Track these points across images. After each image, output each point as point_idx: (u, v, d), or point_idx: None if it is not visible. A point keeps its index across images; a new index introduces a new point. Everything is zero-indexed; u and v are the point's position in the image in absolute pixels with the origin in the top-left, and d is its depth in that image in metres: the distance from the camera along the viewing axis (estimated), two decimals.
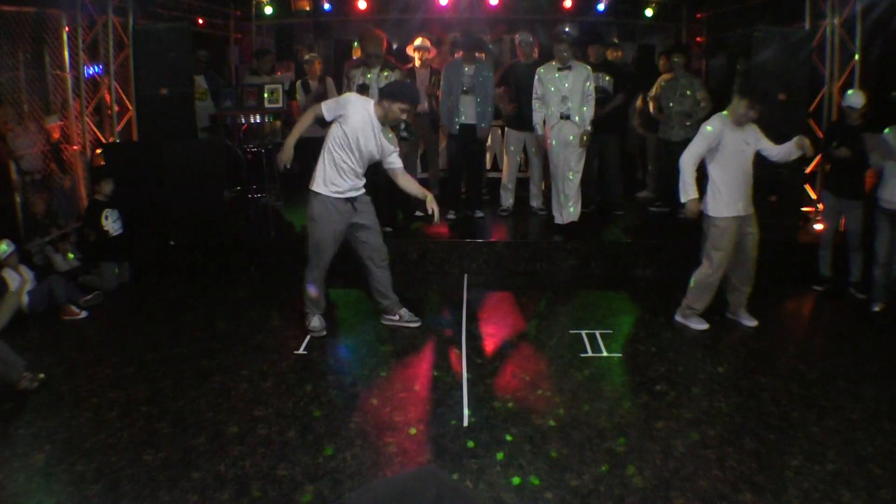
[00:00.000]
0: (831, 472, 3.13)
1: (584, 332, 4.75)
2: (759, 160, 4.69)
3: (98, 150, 6.64)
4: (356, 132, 4.32)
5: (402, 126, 5.45)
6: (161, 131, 6.30)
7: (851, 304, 5.35)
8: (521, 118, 6.66)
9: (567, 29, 6.33)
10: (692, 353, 4.47)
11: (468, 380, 4.06)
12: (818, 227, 6.12)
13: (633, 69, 9.09)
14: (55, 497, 2.99)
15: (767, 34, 6.12)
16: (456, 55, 6.82)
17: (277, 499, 2.96)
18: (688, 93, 6.69)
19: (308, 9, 8.71)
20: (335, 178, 4.38)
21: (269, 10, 9.17)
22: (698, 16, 9.48)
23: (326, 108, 4.35)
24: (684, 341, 4.66)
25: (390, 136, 4.89)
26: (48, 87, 6.50)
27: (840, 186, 5.44)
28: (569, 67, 5.86)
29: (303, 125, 4.41)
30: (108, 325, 5.01)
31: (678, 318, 4.94)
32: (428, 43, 7.00)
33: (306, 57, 7.79)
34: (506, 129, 7.03)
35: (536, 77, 6.01)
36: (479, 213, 6.84)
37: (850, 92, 5.46)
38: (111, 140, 6.74)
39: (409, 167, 7.46)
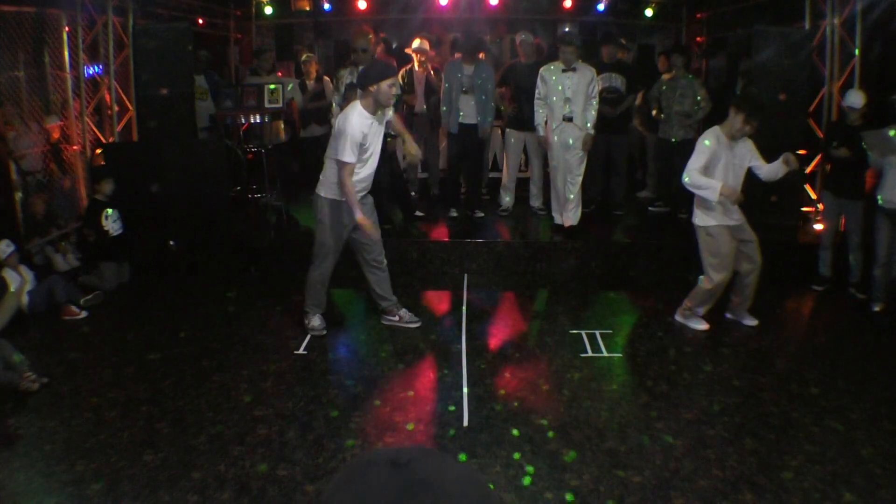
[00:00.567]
0: (831, 472, 3.13)
1: (584, 332, 4.75)
2: (749, 177, 4.70)
3: (98, 150, 6.64)
4: (366, 141, 4.29)
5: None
6: (161, 131, 6.30)
7: (851, 304, 5.35)
8: (521, 118, 6.65)
9: (570, 31, 6.30)
10: (692, 353, 4.47)
11: (468, 380, 4.06)
12: (818, 227, 6.12)
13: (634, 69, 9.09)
14: (55, 497, 2.99)
15: (767, 34, 6.12)
16: (456, 55, 6.83)
17: (277, 499, 2.97)
18: (688, 93, 6.69)
19: (308, 9, 8.70)
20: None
21: (269, 10, 9.16)
22: (698, 16, 9.48)
23: (350, 154, 4.17)
24: (684, 341, 4.66)
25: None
26: (48, 87, 6.50)
27: (840, 186, 5.44)
28: (573, 69, 5.83)
29: (350, 190, 4.27)
30: (108, 325, 5.00)
31: (678, 317, 4.94)
32: (427, 45, 7.00)
33: (303, 57, 7.79)
34: (506, 129, 7.03)
35: (539, 77, 5.98)
36: (479, 213, 6.84)
37: (849, 92, 5.47)
38: (111, 140, 6.73)
39: (410, 167, 7.50)
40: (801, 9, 6.64)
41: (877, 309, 5.11)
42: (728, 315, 4.97)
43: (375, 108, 4.27)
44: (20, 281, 4.95)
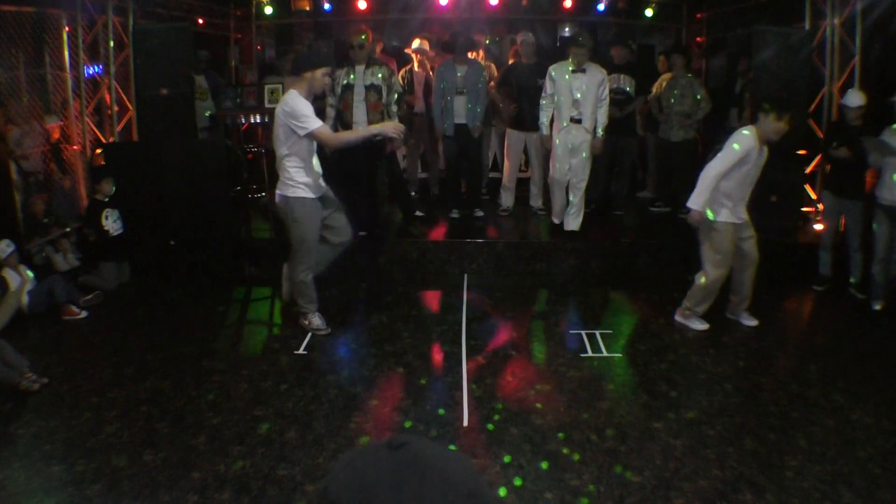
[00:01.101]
0: (831, 472, 3.13)
1: (584, 332, 4.75)
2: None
3: (98, 150, 6.64)
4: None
5: (397, 118, 5.49)
6: (161, 131, 6.29)
7: (851, 304, 5.35)
8: (521, 118, 6.65)
9: (582, 33, 6.28)
10: (692, 353, 4.47)
11: (468, 380, 4.06)
12: (818, 227, 6.12)
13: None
14: (55, 497, 2.99)
15: (767, 34, 6.12)
16: (447, 56, 6.80)
17: (277, 499, 2.96)
18: (687, 93, 6.69)
19: (308, 9, 8.70)
20: (313, 180, 4.41)
21: (269, 10, 9.16)
22: (698, 16, 9.48)
23: (315, 118, 4.26)
24: (684, 341, 4.67)
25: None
26: (48, 87, 6.50)
27: (840, 186, 5.45)
28: (583, 70, 5.78)
29: (347, 135, 4.47)
30: (108, 325, 5.00)
31: (678, 318, 4.94)
32: (426, 45, 7.00)
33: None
34: (506, 129, 7.02)
35: (548, 75, 5.91)
36: (480, 213, 6.84)
37: (849, 92, 5.47)
38: (111, 140, 6.73)
39: (410, 167, 7.51)
40: (801, 9, 6.64)
41: (877, 308, 5.12)
42: (728, 315, 4.96)
43: (308, 94, 4.31)
44: (20, 281, 4.95)
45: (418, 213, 6.81)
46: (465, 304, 5.33)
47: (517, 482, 3.06)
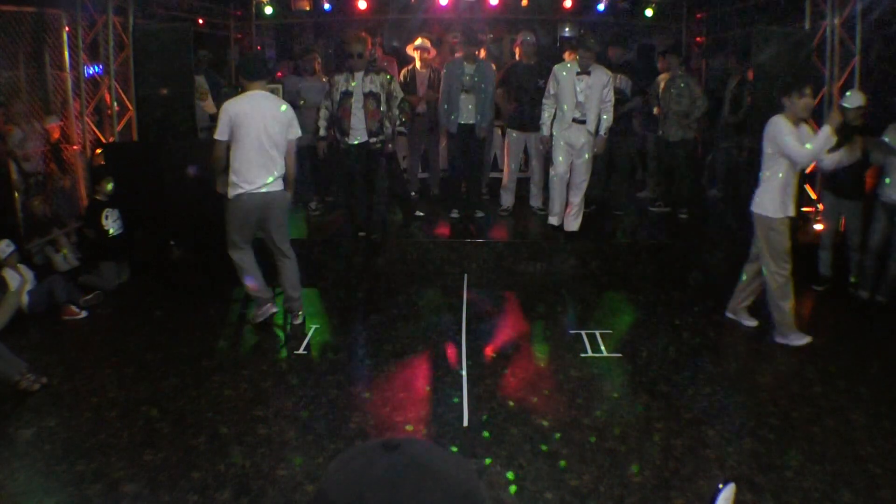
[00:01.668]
0: (831, 472, 3.13)
1: (584, 332, 4.75)
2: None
3: (98, 150, 6.64)
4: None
5: (399, 121, 5.50)
6: (161, 131, 6.29)
7: (851, 304, 5.35)
8: (521, 118, 6.65)
9: (588, 34, 6.28)
10: (692, 353, 4.47)
11: (468, 380, 4.06)
12: (818, 227, 6.12)
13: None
14: (55, 497, 2.99)
15: (767, 34, 6.12)
16: (456, 54, 6.80)
17: (277, 499, 2.96)
18: (685, 92, 6.69)
19: (308, 9, 8.70)
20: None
21: (269, 10, 9.16)
22: (698, 16, 9.48)
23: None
24: (684, 341, 4.66)
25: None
26: (48, 87, 6.50)
27: (840, 186, 5.45)
28: (588, 73, 5.78)
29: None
30: (108, 325, 5.00)
31: (778, 339, 4.55)
32: (428, 43, 7.00)
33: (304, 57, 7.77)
34: (507, 129, 7.03)
35: (552, 75, 5.91)
36: (480, 213, 6.84)
37: (848, 93, 5.47)
38: (111, 140, 6.73)
39: (410, 167, 7.51)
40: (801, 9, 6.64)
41: (864, 296, 5.27)
42: (729, 315, 4.95)
43: None
44: (20, 281, 4.95)
45: (418, 213, 6.81)
46: (465, 304, 5.33)
47: (517, 482, 3.06)
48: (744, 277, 4.79)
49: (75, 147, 6.54)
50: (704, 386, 4.00)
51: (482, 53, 7.44)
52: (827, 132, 4.15)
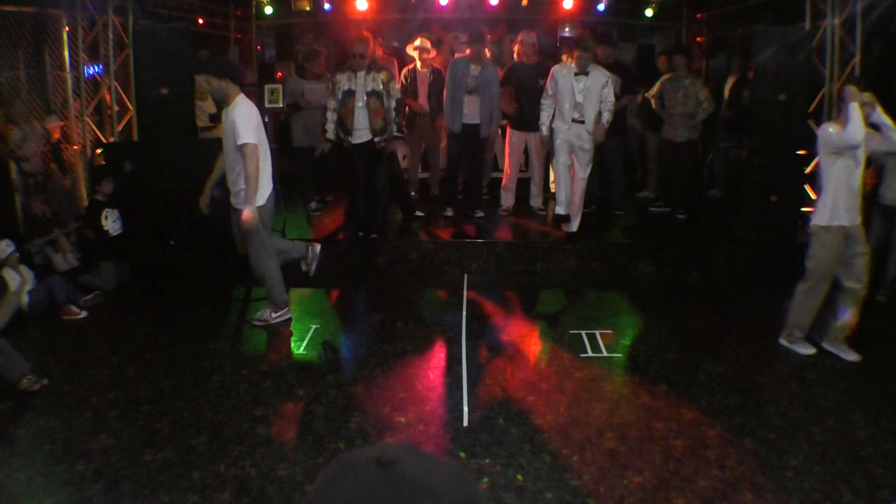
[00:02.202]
0: (831, 472, 3.13)
1: (584, 332, 4.75)
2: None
3: (98, 150, 6.64)
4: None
5: (395, 126, 5.49)
6: (161, 131, 6.29)
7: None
8: (522, 118, 6.65)
9: (586, 35, 6.27)
10: (692, 353, 4.47)
11: (468, 380, 4.06)
12: None
13: (634, 69, 9.10)
14: (55, 497, 2.99)
15: (767, 34, 6.12)
16: (457, 54, 6.78)
17: (277, 499, 2.96)
18: (690, 93, 6.68)
19: (308, 9, 8.70)
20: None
21: (269, 10, 9.16)
22: (698, 16, 9.48)
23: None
24: (684, 341, 4.66)
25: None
26: (48, 87, 6.50)
27: None
28: (586, 73, 5.80)
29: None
30: (108, 325, 5.00)
31: (783, 341, 4.48)
32: (428, 43, 6.99)
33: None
34: (507, 129, 7.02)
35: (551, 76, 5.92)
36: (480, 213, 6.84)
37: None
38: (111, 140, 6.73)
39: (410, 167, 7.51)
40: (801, 9, 6.64)
41: (880, 300, 5.24)
42: (827, 347, 4.40)
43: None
44: (20, 281, 4.95)
45: (419, 213, 6.81)
46: (465, 304, 5.33)
47: (518, 482, 3.06)
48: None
49: (75, 147, 6.54)
50: (704, 386, 4.00)
51: (488, 53, 7.45)
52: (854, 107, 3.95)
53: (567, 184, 6.08)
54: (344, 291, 5.68)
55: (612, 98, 5.89)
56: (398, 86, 6.23)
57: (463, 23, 8.61)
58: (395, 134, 5.86)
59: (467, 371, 4.18)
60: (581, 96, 5.81)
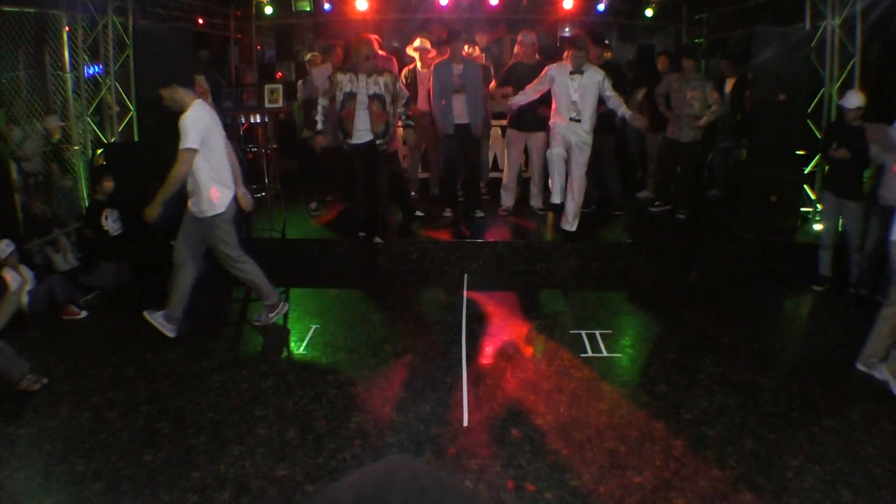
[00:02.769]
0: (831, 472, 3.13)
1: (584, 332, 4.75)
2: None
3: (98, 150, 6.64)
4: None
5: (404, 116, 5.51)
6: (161, 131, 6.29)
7: (851, 304, 5.35)
8: (522, 118, 6.65)
9: (581, 35, 6.27)
10: (692, 353, 4.47)
11: (468, 380, 4.06)
12: (818, 227, 6.13)
13: (633, 69, 9.10)
14: (55, 497, 2.99)
15: (767, 35, 6.12)
16: (444, 55, 6.74)
17: (277, 499, 2.97)
18: (698, 95, 6.68)
19: (308, 9, 8.71)
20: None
21: (269, 10, 9.17)
22: (698, 16, 9.49)
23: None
24: (684, 341, 4.66)
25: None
26: (48, 87, 6.50)
27: (840, 187, 5.45)
28: (581, 72, 5.80)
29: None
30: (108, 325, 5.00)
31: (860, 366, 4.16)
32: (427, 44, 7.00)
33: (307, 56, 7.76)
34: (507, 129, 7.02)
35: (547, 72, 5.91)
36: (480, 213, 6.84)
37: (847, 93, 5.47)
38: (112, 140, 6.74)
39: (411, 167, 7.51)
40: (801, 9, 6.64)
41: (864, 296, 5.27)
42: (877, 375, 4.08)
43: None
44: (20, 281, 4.95)
45: (418, 213, 6.81)
46: (465, 304, 5.33)
47: (518, 482, 3.06)
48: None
49: (76, 147, 6.55)
50: (704, 386, 4.00)
51: (476, 50, 7.44)
52: None
53: (562, 173, 6.06)
54: (344, 291, 5.68)
55: (612, 93, 5.88)
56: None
57: (463, 22, 8.61)
58: (408, 122, 5.84)
59: (467, 371, 4.18)
60: (577, 95, 5.81)
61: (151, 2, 7.26)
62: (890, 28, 6.32)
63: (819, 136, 6.31)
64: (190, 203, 4.54)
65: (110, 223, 5.80)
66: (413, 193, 7.46)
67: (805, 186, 6.68)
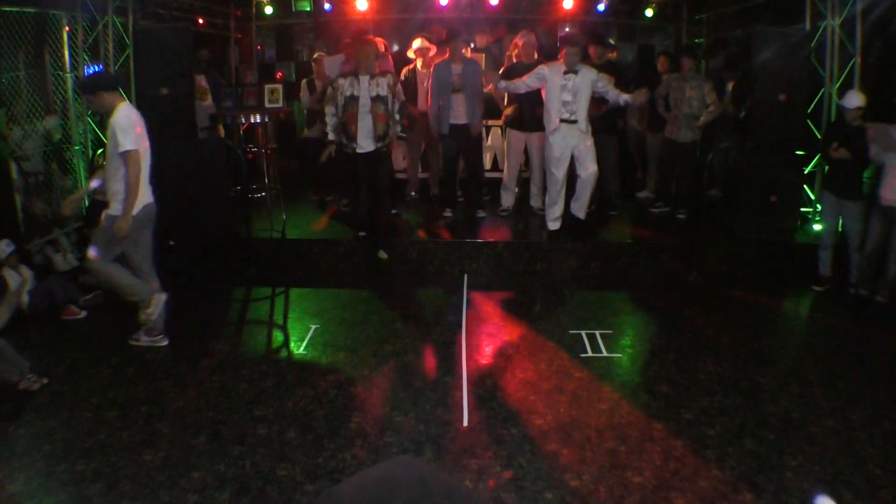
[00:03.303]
0: (831, 472, 3.13)
1: (584, 332, 4.75)
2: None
3: (99, 151, 6.64)
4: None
5: (399, 127, 5.45)
6: (161, 131, 6.29)
7: (851, 304, 5.35)
8: (521, 119, 6.65)
9: (574, 32, 6.28)
10: (692, 353, 4.47)
11: (468, 380, 4.06)
12: (818, 227, 6.13)
13: (633, 69, 9.10)
14: (55, 497, 2.99)
15: (767, 35, 6.12)
16: (444, 55, 6.73)
17: (277, 499, 2.97)
18: (697, 95, 6.67)
19: (308, 9, 8.70)
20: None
21: (269, 10, 9.17)
22: (698, 16, 9.48)
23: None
24: (684, 341, 4.67)
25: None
26: (49, 87, 6.50)
27: (840, 187, 5.45)
28: (575, 72, 5.78)
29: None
30: (108, 325, 5.00)
31: None
32: (427, 43, 7.00)
33: (315, 56, 7.75)
34: (507, 129, 7.02)
35: (539, 70, 5.90)
36: (480, 213, 6.84)
37: (847, 93, 5.48)
38: None
39: (410, 167, 7.51)
40: (801, 10, 6.64)
41: (864, 296, 5.27)
42: None
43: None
44: (20, 280, 4.95)
45: (394, 212, 6.75)
46: (465, 304, 5.33)
47: (518, 482, 3.06)
48: None
49: (76, 147, 6.55)
50: (704, 386, 4.00)
51: (468, 52, 7.44)
52: None
53: (562, 197, 6.07)
54: (344, 291, 5.68)
55: (608, 88, 5.86)
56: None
57: (463, 23, 8.61)
58: (399, 134, 5.83)
59: (467, 371, 4.18)
60: (569, 95, 5.78)
61: (151, 2, 7.25)
62: (890, 28, 6.31)
63: (819, 136, 6.30)
64: (111, 203, 4.33)
65: None
66: (413, 193, 7.46)
67: (805, 186, 6.68)
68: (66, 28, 6.25)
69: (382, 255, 5.91)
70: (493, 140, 8.04)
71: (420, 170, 7.75)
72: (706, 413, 3.68)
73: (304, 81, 7.49)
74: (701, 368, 4.24)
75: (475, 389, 3.94)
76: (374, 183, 5.76)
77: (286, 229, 6.42)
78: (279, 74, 9.93)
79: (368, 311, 5.20)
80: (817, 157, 6.45)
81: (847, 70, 6.34)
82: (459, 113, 6.43)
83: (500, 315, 5.19)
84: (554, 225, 6.21)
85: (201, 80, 7.36)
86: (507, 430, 3.50)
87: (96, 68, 6.84)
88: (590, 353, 4.45)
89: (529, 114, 6.44)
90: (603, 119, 6.72)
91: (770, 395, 3.88)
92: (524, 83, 5.97)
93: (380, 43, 5.78)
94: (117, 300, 5.42)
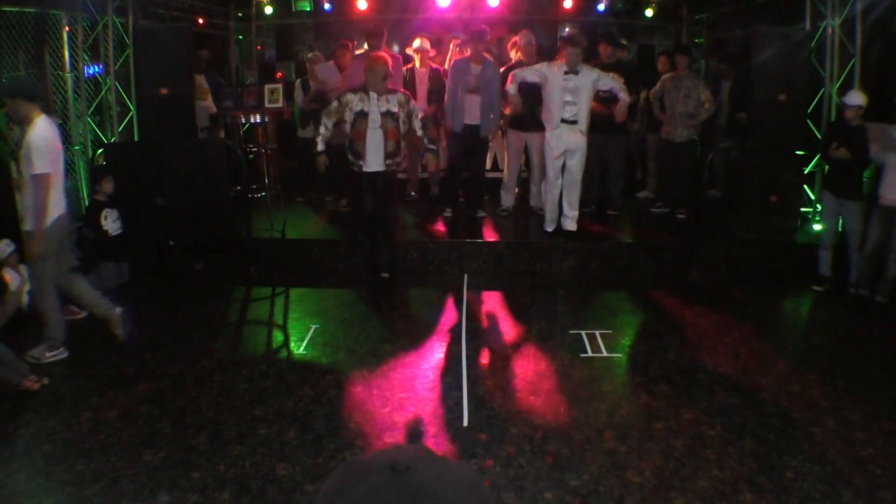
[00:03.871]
0: (831, 472, 3.13)
1: (584, 332, 4.75)
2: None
3: (99, 151, 6.65)
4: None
5: (427, 139, 5.38)
6: (161, 131, 6.30)
7: (851, 304, 5.35)
8: (521, 118, 6.65)
9: (577, 32, 6.27)
10: (692, 353, 4.47)
11: (468, 380, 4.06)
12: (818, 227, 6.13)
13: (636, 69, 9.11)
14: (55, 497, 2.99)
15: (767, 35, 6.12)
16: (464, 53, 6.73)
17: (277, 499, 2.97)
18: (692, 93, 6.67)
19: (308, 9, 8.71)
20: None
21: (269, 10, 9.17)
22: (698, 16, 9.49)
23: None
24: (684, 341, 4.67)
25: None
26: (48, 87, 6.49)
27: (840, 187, 5.45)
28: (576, 72, 5.76)
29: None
30: (108, 325, 4.99)
31: None
32: (427, 44, 6.99)
33: (308, 55, 7.75)
34: (507, 129, 7.02)
35: (539, 67, 5.88)
36: (480, 213, 6.84)
37: (849, 91, 5.48)
38: (111, 140, 6.74)
39: (410, 167, 7.51)
40: (801, 9, 6.64)
41: (864, 296, 5.25)
42: None
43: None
44: (20, 280, 4.94)
45: (446, 213, 6.73)
46: (465, 304, 5.33)
47: (518, 482, 3.06)
48: None
49: (76, 147, 6.55)
50: (704, 386, 4.01)
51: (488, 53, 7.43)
52: None
53: (556, 201, 6.06)
54: (344, 291, 5.68)
55: (610, 85, 5.83)
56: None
57: (463, 23, 8.61)
58: (430, 147, 5.61)
59: (467, 371, 4.18)
60: (570, 95, 5.76)
61: (151, 2, 7.26)
62: (890, 28, 6.31)
63: (819, 136, 6.30)
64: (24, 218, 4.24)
65: (110, 223, 5.80)
66: (413, 193, 7.46)
67: (805, 186, 6.68)
68: (66, 28, 6.25)
69: (384, 274, 5.75)
70: (494, 140, 8.03)
71: (420, 170, 7.75)
72: (706, 413, 3.68)
73: (298, 81, 7.49)
74: (701, 368, 4.24)
75: (475, 389, 3.94)
76: (380, 209, 5.47)
77: (286, 229, 6.42)
78: (279, 74, 9.94)
79: (368, 311, 5.20)
80: (817, 157, 6.45)
81: (847, 70, 6.34)
82: (472, 113, 6.42)
83: (500, 315, 5.19)
84: (550, 226, 6.20)
85: (201, 80, 7.36)
86: (507, 430, 3.50)
87: (96, 69, 6.85)
88: (590, 353, 4.45)
89: (529, 114, 6.44)
90: (610, 119, 6.71)
91: (770, 395, 3.88)
92: (523, 75, 5.93)
93: (390, 60, 5.50)
94: (117, 300, 5.44)
